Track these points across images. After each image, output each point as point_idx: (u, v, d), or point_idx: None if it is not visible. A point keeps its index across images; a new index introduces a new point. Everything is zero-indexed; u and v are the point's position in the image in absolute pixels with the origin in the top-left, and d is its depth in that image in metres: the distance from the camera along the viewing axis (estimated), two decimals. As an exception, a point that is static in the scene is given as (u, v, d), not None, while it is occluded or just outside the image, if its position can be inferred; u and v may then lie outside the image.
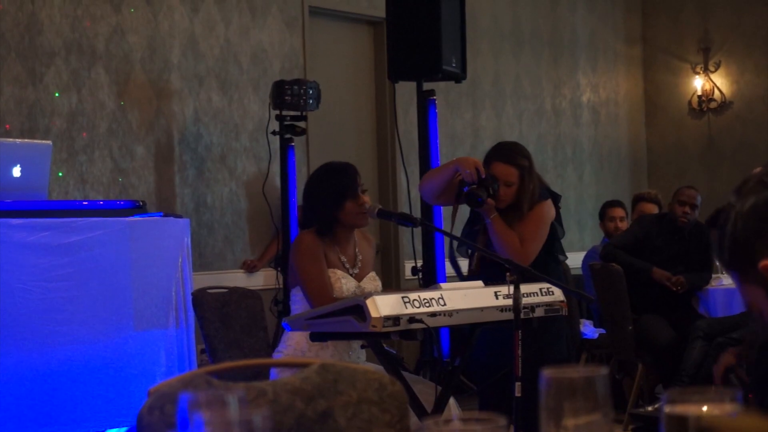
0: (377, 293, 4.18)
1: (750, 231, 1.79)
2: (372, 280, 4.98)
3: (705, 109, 11.26)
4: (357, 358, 4.89)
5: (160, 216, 5.88)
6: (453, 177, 5.06)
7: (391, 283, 8.80)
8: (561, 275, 5.31)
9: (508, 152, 5.25)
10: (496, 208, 5.11)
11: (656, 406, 6.33)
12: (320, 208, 4.89)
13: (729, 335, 6.96)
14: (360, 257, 4.99)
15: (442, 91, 8.29)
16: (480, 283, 4.66)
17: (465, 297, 4.30)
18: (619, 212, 8.94)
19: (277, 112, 7.42)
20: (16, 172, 5.43)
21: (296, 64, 8.28)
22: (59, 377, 5.10)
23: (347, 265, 4.91)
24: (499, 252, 4.97)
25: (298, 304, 4.85)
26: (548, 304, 4.55)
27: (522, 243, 5.11)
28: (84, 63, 7.07)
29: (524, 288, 4.26)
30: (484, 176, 5.01)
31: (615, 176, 11.28)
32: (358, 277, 4.93)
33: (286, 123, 7.45)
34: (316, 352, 4.70)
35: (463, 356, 4.63)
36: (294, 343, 4.82)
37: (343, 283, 4.82)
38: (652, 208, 8.46)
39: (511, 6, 10.20)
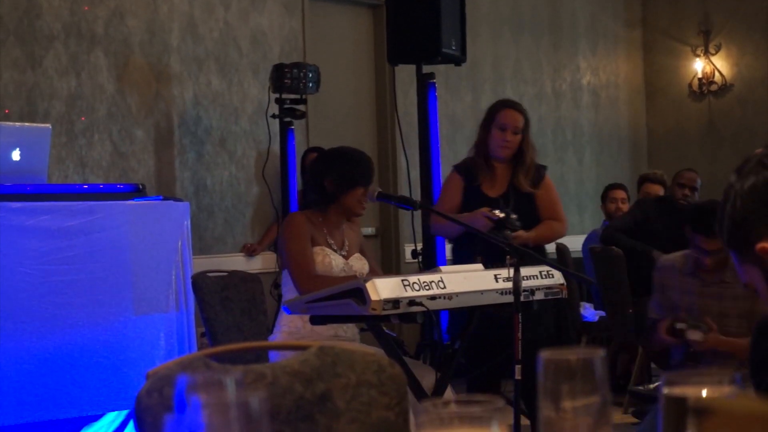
0: (376, 277, 4.19)
1: (748, 211, 1.79)
2: (358, 260, 5.02)
3: (705, 91, 11.25)
4: (353, 334, 4.91)
5: (160, 199, 5.87)
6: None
7: (391, 266, 8.81)
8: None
9: (513, 102, 5.88)
10: (501, 157, 5.66)
11: (656, 384, 6.34)
12: (328, 183, 4.91)
13: None
14: (347, 243, 5.02)
15: (442, 74, 8.28)
16: (480, 266, 4.67)
17: (465, 280, 4.31)
18: (620, 194, 8.94)
19: (277, 95, 7.41)
20: (16, 155, 5.42)
21: (296, 47, 8.27)
22: (58, 361, 5.11)
23: (335, 247, 4.94)
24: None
25: (289, 285, 4.87)
26: (548, 287, 4.56)
27: (557, 219, 5.72)
28: (83, 46, 7.06)
29: (524, 271, 4.27)
30: (496, 218, 5.07)
31: (615, 159, 11.28)
32: (345, 258, 4.96)
33: (285, 106, 7.44)
34: (311, 328, 4.70)
35: (462, 339, 4.64)
36: (289, 322, 4.84)
37: (332, 259, 4.86)
38: (658, 189, 8.43)
39: (511, -11, 10.19)
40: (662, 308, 5.03)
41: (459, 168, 5.84)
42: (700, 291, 4.94)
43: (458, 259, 5.61)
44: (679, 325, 4.85)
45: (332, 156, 5.07)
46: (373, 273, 4.99)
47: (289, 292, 4.83)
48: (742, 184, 1.81)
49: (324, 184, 4.92)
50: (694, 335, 4.82)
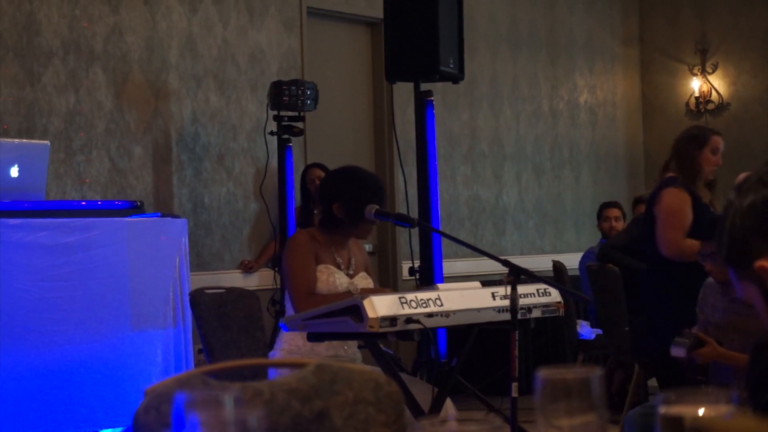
0: (374, 294, 4.19)
1: (746, 229, 1.80)
2: (363, 279, 4.95)
3: (702, 110, 11.26)
4: (354, 353, 4.89)
5: (158, 216, 5.88)
6: None
7: (389, 284, 8.80)
8: None
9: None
10: (709, 179, 6.19)
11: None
12: (339, 206, 4.81)
13: None
14: (353, 261, 4.98)
15: (440, 91, 8.29)
16: (477, 283, 4.67)
17: (462, 297, 4.31)
18: (614, 212, 8.95)
19: (275, 112, 7.42)
20: (14, 172, 5.43)
21: (294, 64, 8.29)
22: (56, 377, 5.10)
23: (342, 267, 4.89)
24: None
25: (290, 302, 4.86)
26: (545, 305, 4.56)
27: None
28: (82, 63, 7.07)
29: (521, 289, 4.26)
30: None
31: (612, 177, 11.29)
32: (351, 277, 4.92)
33: (283, 123, 7.45)
34: (311, 347, 4.69)
35: (460, 357, 4.63)
36: (289, 340, 4.82)
37: (336, 278, 4.81)
38: (651, 210, 8.44)
39: (508, 7, 10.20)
40: (700, 326, 5.06)
41: (683, 185, 5.96)
42: (726, 307, 4.96)
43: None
44: (675, 340, 4.87)
45: (343, 179, 4.90)
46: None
47: (291, 309, 4.80)
48: (742, 201, 1.82)
49: (332, 208, 4.84)
50: (677, 351, 4.84)
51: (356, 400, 2.07)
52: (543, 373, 1.41)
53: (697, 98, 11.27)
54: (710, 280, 5.08)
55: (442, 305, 4.18)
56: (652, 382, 7.64)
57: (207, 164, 7.73)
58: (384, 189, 4.95)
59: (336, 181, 4.94)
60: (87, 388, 5.19)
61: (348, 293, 4.74)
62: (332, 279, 4.80)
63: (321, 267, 4.80)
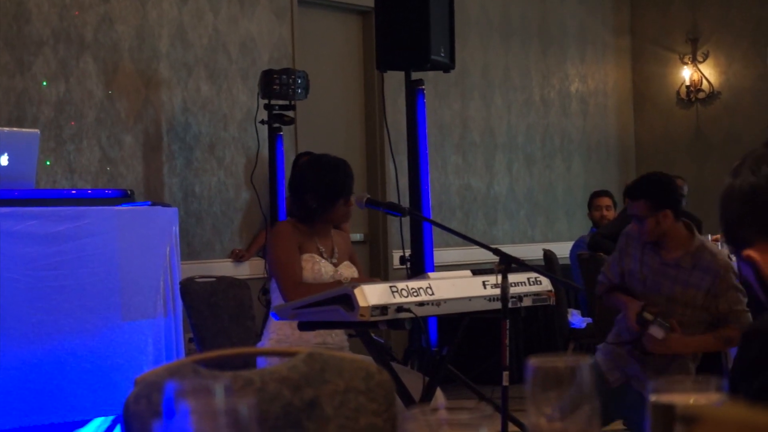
0: (364, 282, 4.19)
1: (737, 215, 1.81)
2: (348, 267, 4.97)
3: (693, 99, 11.28)
4: (341, 341, 4.90)
5: (148, 205, 5.87)
6: None
7: (379, 273, 8.81)
8: None
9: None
10: None
11: None
12: (309, 199, 4.88)
13: None
14: (337, 249, 4.99)
15: (431, 80, 8.28)
16: (468, 272, 4.67)
17: (453, 286, 4.31)
18: (605, 201, 8.96)
19: (266, 101, 7.41)
20: (4, 160, 5.42)
21: (285, 53, 8.28)
22: (46, 366, 5.10)
23: (325, 255, 4.91)
24: None
25: (277, 293, 4.86)
26: (536, 294, 4.57)
27: None
28: (72, 52, 7.05)
29: (512, 278, 4.27)
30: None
31: (603, 167, 11.30)
32: (335, 266, 4.94)
33: (274, 112, 7.44)
34: (300, 335, 4.69)
35: (450, 346, 4.64)
36: (277, 329, 4.83)
37: (321, 266, 4.82)
38: (641, 200, 8.44)
39: (500, -4, 10.21)
40: (618, 274, 5.15)
41: None
42: (656, 268, 5.03)
43: None
44: (647, 316, 4.90)
45: (309, 170, 4.96)
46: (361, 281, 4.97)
47: (279, 299, 4.82)
48: (734, 186, 1.83)
49: (306, 200, 4.89)
50: (656, 332, 4.87)
51: (347, 389, 2.07)
52: (534, 362, 1.41)
53: (687, 87, 11.29)
54: (632, 230, 5.12)
55: (433, 294, 4.18)
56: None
57: (198, 153, 7.72)
58: (349, 169, 4.98)
59: (303, 172, 5.01)
60: (77, 377, 5.19)
61: (336, 282, 4.75)
62: (317, 268, 4.82)
63: (305, 256, 4.83)
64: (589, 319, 8.02)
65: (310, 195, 4.87)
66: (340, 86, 8.84)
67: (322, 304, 4.11)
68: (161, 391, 1.38)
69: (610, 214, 8.75)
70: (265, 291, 7.35)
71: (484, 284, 4.39)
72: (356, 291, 3.97)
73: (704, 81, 11.22)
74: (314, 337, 4.76)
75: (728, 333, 4.95)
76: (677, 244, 5.02)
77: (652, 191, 5.02)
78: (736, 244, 1.83)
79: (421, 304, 4.12)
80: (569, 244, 9.04)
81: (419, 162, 6.94)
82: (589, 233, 8.62)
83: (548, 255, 8.34)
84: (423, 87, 6.97)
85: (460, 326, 4.63)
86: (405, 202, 6.57)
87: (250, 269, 7.88)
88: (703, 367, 5.22)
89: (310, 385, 2.06)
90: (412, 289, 4.13)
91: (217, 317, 6.01)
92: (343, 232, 5.21)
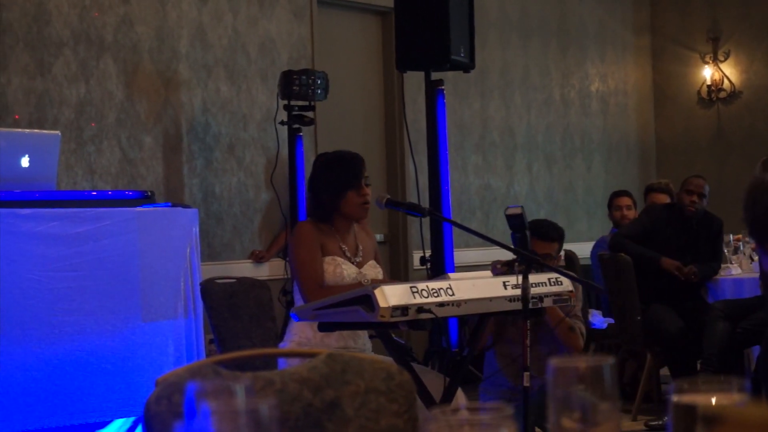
0: (385, 283, 4.18)
1: (764, 208, 1.81)
2: (372, 267, 4.96)
3: (714, 98, 11.24)
4: (363, 344, 4.88)
5: (169, 206, 5.88)
6: None
7: (400, 273, 8.80)
8: None
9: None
10: None
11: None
12: (322, 196, 4.90)
13: (750, 317, 6.91)
14: (361, 247, 4.98)
15: (451, 81, 8.28)
16: (488, 273, 4.66)
17: (473, 287, 4.30)
18: (625, 201, 8.92)
19: (285, 102, 7.42)
20: (25, 162, 5.43)
21: (304, 54, 8.28)
22: (67, 367, 5.11)
23: (348, 254, 4.90)
24: None
25: (299, 294, 4.85)
26: (557, 294, 4.55)
27: None
28: (92, 53, 7.07)
29: (533, 278, 4.26)
30: None
31: (624, 166, 11.27)
32: (359, 266, 4.93)
33: (294, 113, 7.45)
34: (321, 338, 4.69)
35: (471, 346, 4.63)
36: (299, 332, 4.82)
37: (344, 269, 4.81)
38: (664, 198, 8.42)
39: (519, -4, 10.20)
40: None
41: None
42: None
43: None
44: None
45: (318, 168, 5.04)
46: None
47: (300, 301, 4.81)
48: (765, 180, 1.83)
49: (320, 197, 4.93)
50: None
51: (367, 389, 2.07)
52: (555, 362, 1.41)
53: (709, 86, 11.24)
54: None
55: (453, 295, 4.17)
56: (665, 371, 7.63)
57: (217, 154, 7.73)
58: (357, 159, 5.00)
59: (315, 170, 5.07)
60: (98, 378, 5.20)
61: (358, 284, 4.74)
62: (339, 270, 4.80)
63: (327, 259, 4.81)
64: (610, 320, 8.00)
65: (322, 191, 4.90)
66: (360, 87, 8.84)
67: (342, 305, 4.10)
68: (182, 392, 1.38)
69: (631, 214, 8.72)
70: (285, 292, 7.35)
71: (504, 285, 4.37)
72: (376, 292, 3.96)
73: (725, 80, 11.18)
74: (336, 341, 4.76)
75: None
76: None
77: None
78: (763, 238, 1.82)
79: (441, 304, 4.11)
80: (589, 245, 9.02)
81: (439, 162, 6.94)
82: (610, 233, 8.60)
83: (569, 255, 8.32)
84: (443, 87, 6.97)
85: (481, 327, 4.63)
86: (425, 203, 6.57)
87: (270, 270, 7.89)
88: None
89: (331, 386, 2.06)
90: (433, 289, 4.12)
91: (237, 318, 6.02)
92: (369, 230, 5.20)
